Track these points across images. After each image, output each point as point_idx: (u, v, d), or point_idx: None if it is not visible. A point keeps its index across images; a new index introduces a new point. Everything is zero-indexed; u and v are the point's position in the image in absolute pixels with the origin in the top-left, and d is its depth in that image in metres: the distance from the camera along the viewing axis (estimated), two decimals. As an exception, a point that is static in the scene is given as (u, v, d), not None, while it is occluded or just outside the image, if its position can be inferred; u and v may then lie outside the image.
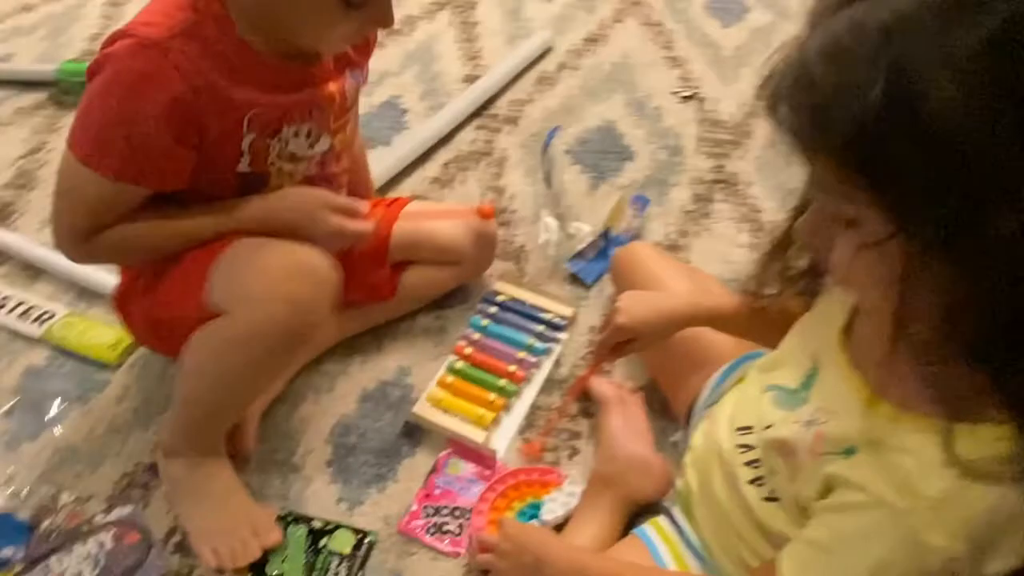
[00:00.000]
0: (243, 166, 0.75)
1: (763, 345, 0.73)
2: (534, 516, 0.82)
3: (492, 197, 1.21)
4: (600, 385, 0.92)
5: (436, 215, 1.01)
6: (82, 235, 0.74)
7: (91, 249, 0.75)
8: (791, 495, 0.57)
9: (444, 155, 1.29)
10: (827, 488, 0.52)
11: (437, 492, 0.85)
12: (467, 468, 0.87)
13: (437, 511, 0.83)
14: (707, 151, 1.29)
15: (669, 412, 0.89)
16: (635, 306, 0.77)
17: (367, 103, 1.37)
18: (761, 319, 0.68)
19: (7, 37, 1.58)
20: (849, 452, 0.51)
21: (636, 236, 1.11)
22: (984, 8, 0.35)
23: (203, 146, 0.72)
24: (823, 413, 0.55)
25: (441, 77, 1.47)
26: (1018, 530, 0.45)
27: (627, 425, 0.87)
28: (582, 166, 1.27)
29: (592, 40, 1.55)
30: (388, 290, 0.97)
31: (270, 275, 0.72)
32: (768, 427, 0.60)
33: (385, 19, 0.71)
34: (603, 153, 1.30)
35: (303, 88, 0.76)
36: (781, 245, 0.60)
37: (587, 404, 0.93)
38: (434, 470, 0.87)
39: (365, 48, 0.86)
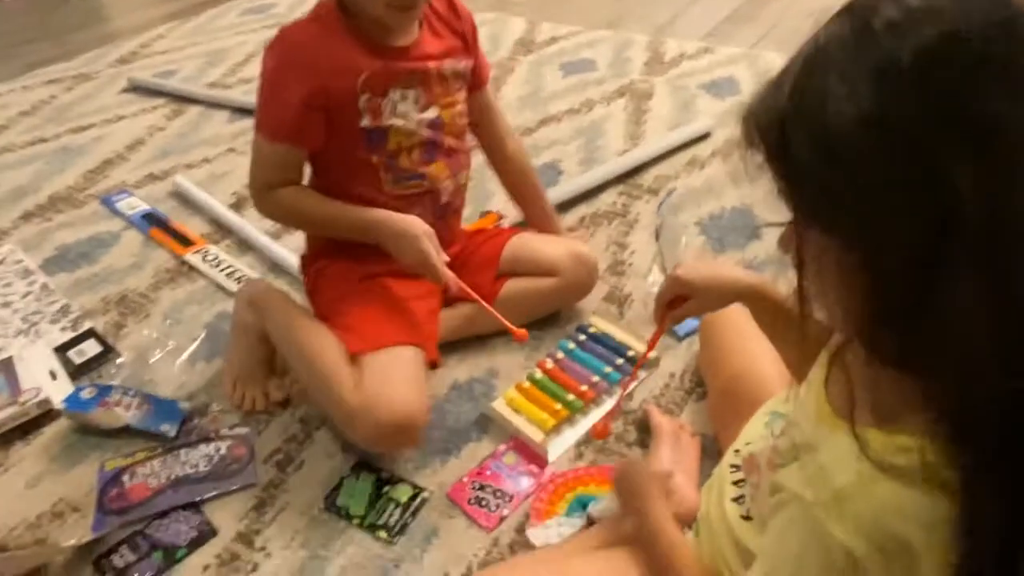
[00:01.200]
0: (365, 122, 0.96)
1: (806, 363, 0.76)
2: (584, 507, 0.88)
3: (614, 250, 1.33)
4: (659, 418, 0.97)
5: (543, 239, 1.16)
6: (260, 189, 1.00)
7: (267, 204, 1.01)
8: (761, 513, 0.59)
9: (584, 209, 1.44)
10: (775, 495, 0.53)
11: (488, 473, 0.95)
12: (520, 462, 0.96)
13: (483, 488, 0.93)
14: (839, 243, 1.29)
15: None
16: (697, 265, 0.78)
17: (534, 161, 1.58)
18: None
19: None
20: (793, 460, 0.53)
21: (739, 302, 1.15)
22: (874, 43, 0.40)
23: (330, 104, 0.93)
24: (788, 426, 0.58)
25: (601, 149, 1.64)
26: (932, 550, 0.43)
27: (675, 457, 0.91)
28: (707, 237, 1.35)
29: (753, 134, 1.64)
30: (490, 292, 1.10)
31: (391, 410, 0.89)
32: (747, 444, 0.63)
33: None
34: (731, 229, 1.36)
35: (403, 60, 0.96)
36: None
37: (645, 436, 0.98)
38: (492, 456, 0.97)
39: (464, 44, 1.04)
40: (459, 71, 1.03)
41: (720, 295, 0.77)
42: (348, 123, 0.96)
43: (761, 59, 1.99)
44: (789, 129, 0.43)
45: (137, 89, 2.04)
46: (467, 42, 1.04)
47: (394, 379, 0.92)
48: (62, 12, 2.68)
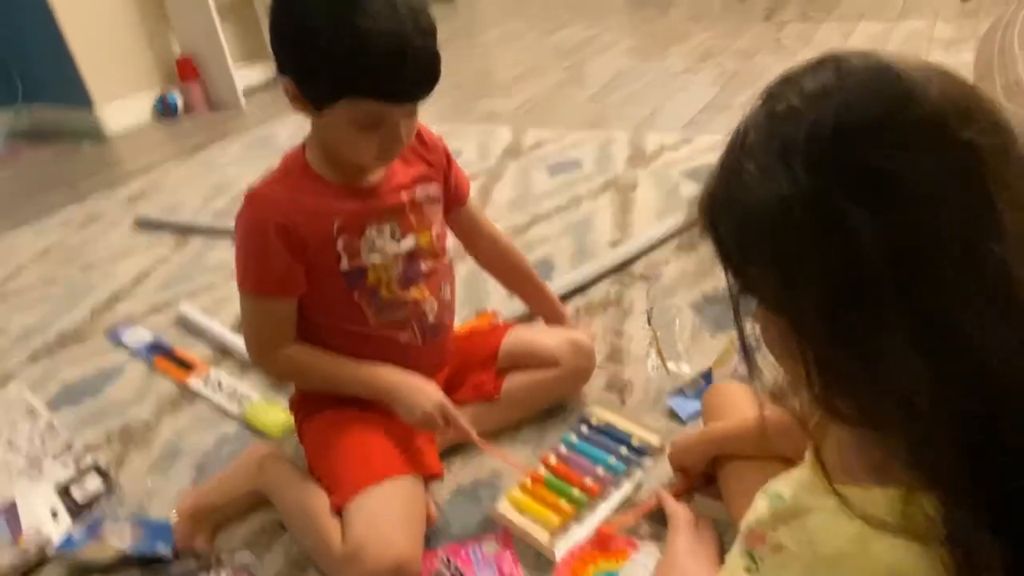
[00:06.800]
0: (344, 265, 0.96)
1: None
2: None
3: (611, 338, 1.33)
4: (675, 505, 0.93)
5: (539, 330, 1.16)
6: (261, 350, 1.01)
7: (271, 364, 1.02)
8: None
9: (578, 301, 1.45)
10: (775, 555, 0.53)
11: (463, 554, 0.93)
12: (495, 550, 0.94)
13: (448, 564, 0.92)
14: (834, 312, 1.29)
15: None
16: (678, 444, 0.98)
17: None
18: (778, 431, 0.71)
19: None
20: (793, 520, 0.53)
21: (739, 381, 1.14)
22: (779, 126, 0.44)
23: (308, 254, 0.94)
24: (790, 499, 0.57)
25: (592, 242, 1.68)
26: None
27: (694, 548, 0.88)
28: (703, 318, 1.35)
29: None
30: (493, 389, 1.10)
31: (379, 557, 0.85)
32: (748, 522, 0.62)
33: (394, 138, 0.91)
34: (728, 309, 1.36)
35: (373, 198, 0.98)
36: None
37: (659, 528, 0.94)
38: (476, 539, 0.96)
39: (434, 169, 1.05)
40: (432, 195, 1.05)
41: (701, 453, 0.95)
42: (327, 267, 0.96)
43: (738, 144, 2.06)
44: (717, 210, 0.47)
45: (144, 225, 2.13)
46: (437, 168, 1.07)
47: (381, 522, 0.88)
48: (75, 159, 2.84)
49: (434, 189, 1.06)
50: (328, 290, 0.99)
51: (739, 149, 0.46)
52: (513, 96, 2.88)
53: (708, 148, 2.07)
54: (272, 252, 0.93)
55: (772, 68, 2.72)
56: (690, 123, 2.33)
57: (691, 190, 1.84)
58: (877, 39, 2.87)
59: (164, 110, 3.16)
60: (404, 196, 1.01)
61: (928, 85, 0.42)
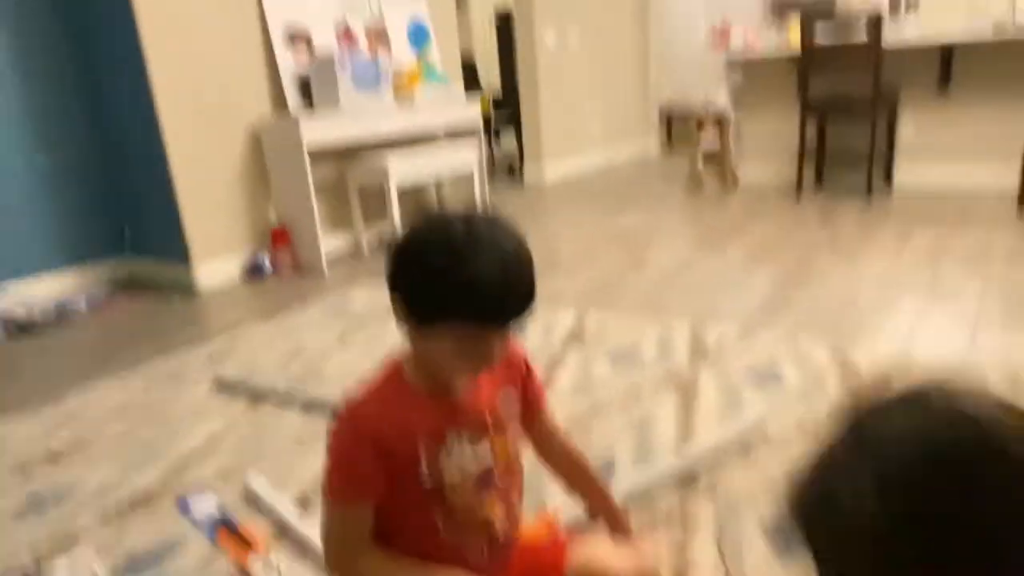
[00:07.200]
0: (423, 470, 0.99)
1: None
2: None
3: (675, 558, 1.30)
4: None
5: (603, 550, 1.15)
6: (336, 558, 1.02)
7: (345, 573, 1.02)
8: None
9: (640, 514, 1.44)
10: None
11: None
12: None
13: None
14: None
15: None
16: None
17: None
18: None
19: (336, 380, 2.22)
20: None
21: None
22: (869, 453, 0.49)
23: (392, 460, 0.97)
24: None
25: (654, 443, 1.68)
26: None
27: None
28: (771, 539, 1.31)
29: (803, 428, 1.67)
30: (558, 617, 1.08)
31: None
32: None
33: (489, 355, 0.97)
34: (795, 533, 1.33)
35: (458, 408, 1.02)
36: None
37: None
38: None
39: (513, 377, 1.10)
40: (511, 402, 1.10)
41: None
42: (407, 471, 1.00)
43: (800, 344, 2.09)
44: (807, 517, 0.51)
45: (221, 385, 2.24)
46: (517, 376, 1.12)
47: None
48: (166, 313, 3.06)
49: (513, 397, 1.12)
50: (402, 496, 1.01)
51: (829, 469, 0.51)
52: (576, 276, 3.02)
53: (767, 346, 2.11)
54: (360, 462, 0.97)
55: (829, 268, 2.83)
56: (749, 317, 2.38)
57: (753, 391, 1.86)
58: (936, 246, 2.95)
59: (253, 271, 3.41)
60: (486, 406, 1.07)
61: (1010, 430, 0.46)
